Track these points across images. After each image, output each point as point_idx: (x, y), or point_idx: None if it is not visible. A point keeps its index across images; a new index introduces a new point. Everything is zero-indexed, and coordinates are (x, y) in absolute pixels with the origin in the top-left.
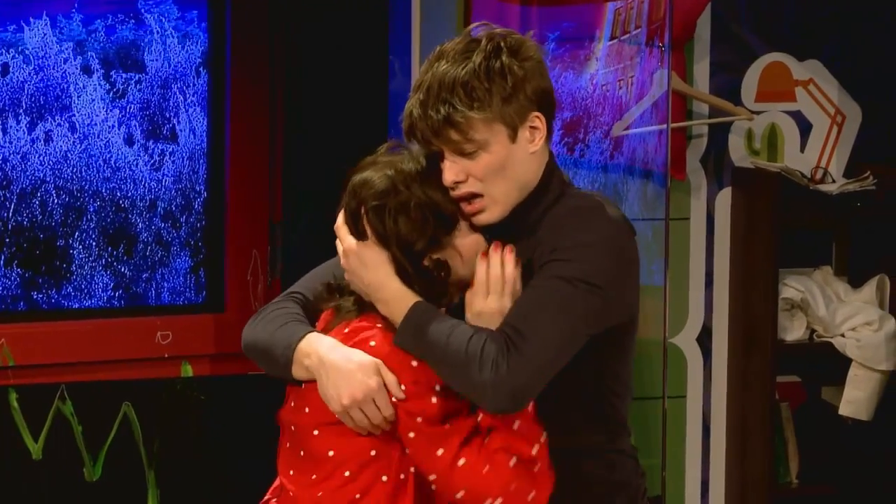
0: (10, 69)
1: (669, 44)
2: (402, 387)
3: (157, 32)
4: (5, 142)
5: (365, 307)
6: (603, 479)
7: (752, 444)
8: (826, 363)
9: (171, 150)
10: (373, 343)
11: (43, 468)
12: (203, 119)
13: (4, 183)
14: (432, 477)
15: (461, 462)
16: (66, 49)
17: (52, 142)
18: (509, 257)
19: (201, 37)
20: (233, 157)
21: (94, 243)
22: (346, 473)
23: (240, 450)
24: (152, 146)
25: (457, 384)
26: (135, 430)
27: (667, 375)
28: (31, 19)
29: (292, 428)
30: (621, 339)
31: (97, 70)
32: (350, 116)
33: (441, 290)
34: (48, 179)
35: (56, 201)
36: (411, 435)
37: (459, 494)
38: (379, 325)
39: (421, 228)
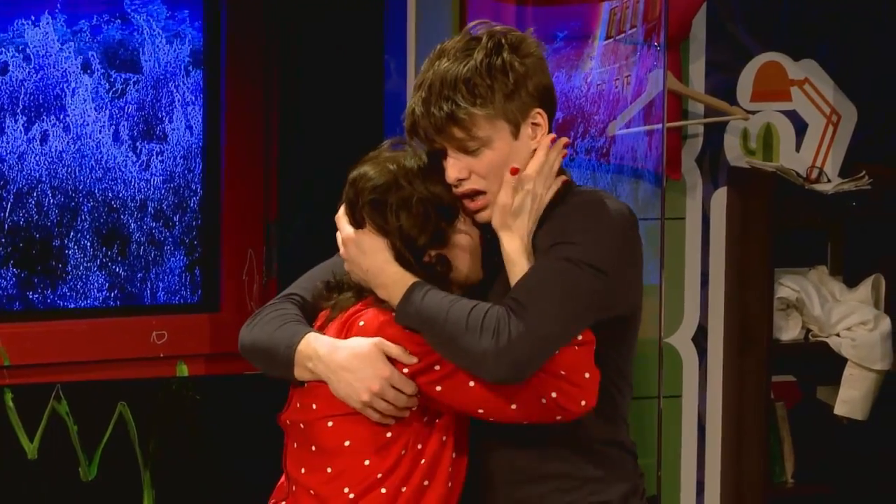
0: (10, 68)
1: (665, 43)
2: (409, 353)
3: (150, 32)
4: (1, 142)
5: (362, 296)
6: (602, 476)
7: (747, 443)
8: (821, 363)
9: (166, 149)
10: (362, 322)
11: (38, 468)
12: (198, 118)
13: (1, 183)
14: (480, 411)
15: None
16: (62, 49)
17: (47, 142)
18: (563, 155)
19: (195, 36)
20: (228, 157)
21: (89, 243)
22: (367, 462)
23: (235, 450)
24: (147, 146)
25: (457, 354)
26: (130, 429)
27: (662, 375)
28: (30, 18)
29: (301, 426)
30: (624, 332)
31: (92, 70)
32: (345, 116)
33: (442, 285)
34: (43, 179)
35: (51, 201)
36: (438, 388)
37: (513, 406)
38: (370, 307)
39: (423, 224)
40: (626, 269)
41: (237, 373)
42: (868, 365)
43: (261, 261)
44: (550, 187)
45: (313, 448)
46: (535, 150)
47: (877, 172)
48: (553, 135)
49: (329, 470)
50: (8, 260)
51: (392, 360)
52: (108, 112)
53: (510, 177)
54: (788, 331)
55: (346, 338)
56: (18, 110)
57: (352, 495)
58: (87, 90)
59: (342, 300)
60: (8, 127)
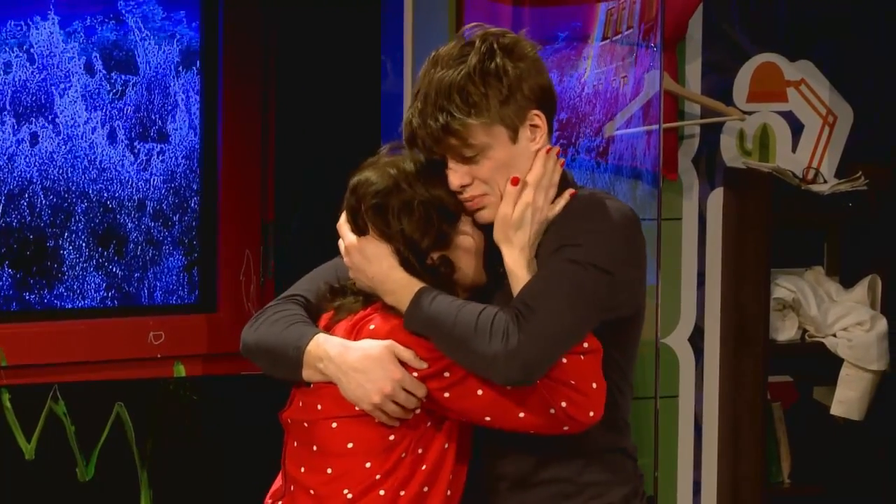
0: (6, 68)
1: (661, 44)
2: (420, 357)
3: (145, 33)
4: None
5: (369, 301)
6: (603, 481)
7: (743, 443)
8: (818, 363)
9: (163, 149)
10: (372, 326)
11: (36, 468)
12: (196, 119)
13: None
14: (487, 419)
15: (508, 388)
16: (58, 49)
17: (40, 142)
18: (560, 165)
19: (192, 36)
20: (225, 158)
21: (85, 243)
22: (368, 465)
23: (232, 450)
24: (145, 146)
25: (466, 358)
26: (127, 430)
27: (659, 375)
28: (25, 20)
29: (304, 425)
30: (628, 333)
31: (89, 71)
32: (342, 116)
33: (447, 288)
34: (36, 180)
35: (48, 202)
36: (447, 395)
37: (521, 415)
38: (378, 312)
39: (425, 226)
40: (630, 270)
41: (234, 373)
42: (864, 365)
43: (258, 261)
44: (553, 198)
45: (315, 448)
46: (536, 151)
47: (873, 173)
48: (550, 146)
49: (329, 471)
50: (4, 260)
51: (402, 364)
52: (105, 113)
53: (511, 188)
54: (785, 331)
55: (355, 341)
56: (11, 111)
57: (350, 496)
58: (81, 91)
59: (348, 303)
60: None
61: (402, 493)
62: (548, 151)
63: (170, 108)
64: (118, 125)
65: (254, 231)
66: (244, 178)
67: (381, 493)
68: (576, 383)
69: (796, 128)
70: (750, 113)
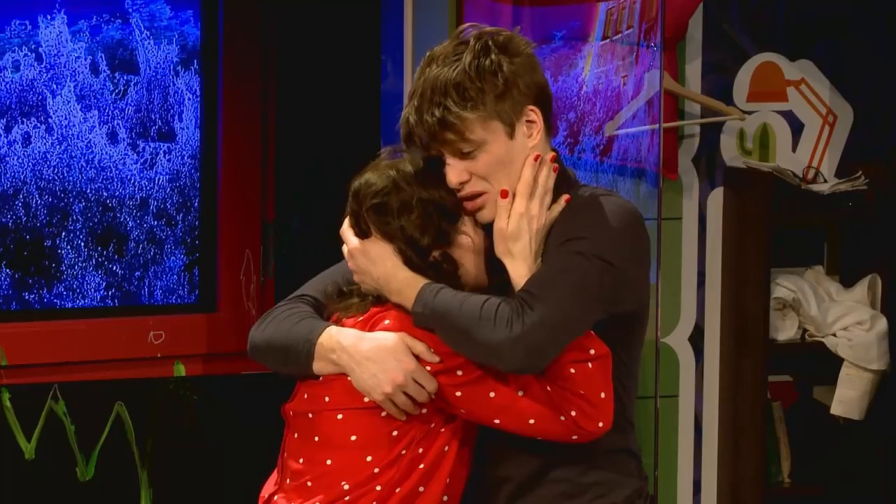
0: (10, 67)
1: (661, 44)
2: (437, 358)
3: (148, 32)
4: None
5: (378, 302)
6: (607, 481)
7: (744, 443)
8: (818, 363)
9: (163, 149)
10: (387, 321)
11: (36, 468)
12: (195, 119)
13: None
14: (497, 421)
15: (520, 393)
16: (63, 48)
17: (33, 142)
18: (553, 171)
19: (194, 36)
20: (225, 157)
21: (85, 243)
22: (368, 458)
23: (232, 449)
24: (144, 146)
25: (471, 347)
26: (127, 429)
27: (659, 375)
28: (29, 18)
29: (309, 416)
30: (631, 329)
31: (90, 70)
32: (342, 116)
33: (452, 284)
34: (33, 180)
35: (47, 201)
36: (458, 394)
37: (532, 421)
38: (393, 309)
39: (425, 224)
40: (634, 266)
41: (234, 373)
42: (864, 365)
43: (258, 261)
44: (549, 205)
45: (317, 439)
46: (532, 147)
47: (873, 173)
48: (538, 152)
49: (329, 462)
50: (2, 259)
51: (415, 357)
52: (109, 112)
53: (501, 201)
54: (785, 331)
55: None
56: (14, 110)
57: (346, 486)
58: (84, 89)
59: (355, 304)
60: (4, 127)
61: (398, 489)
62: (536, 158)
63: (170, 107)
64: (122, 124)
65: (254, 231)
66: (244, 178)
67: (378, 487)
68: (585, 393)
69: (796, 127)
70: (750, 112)
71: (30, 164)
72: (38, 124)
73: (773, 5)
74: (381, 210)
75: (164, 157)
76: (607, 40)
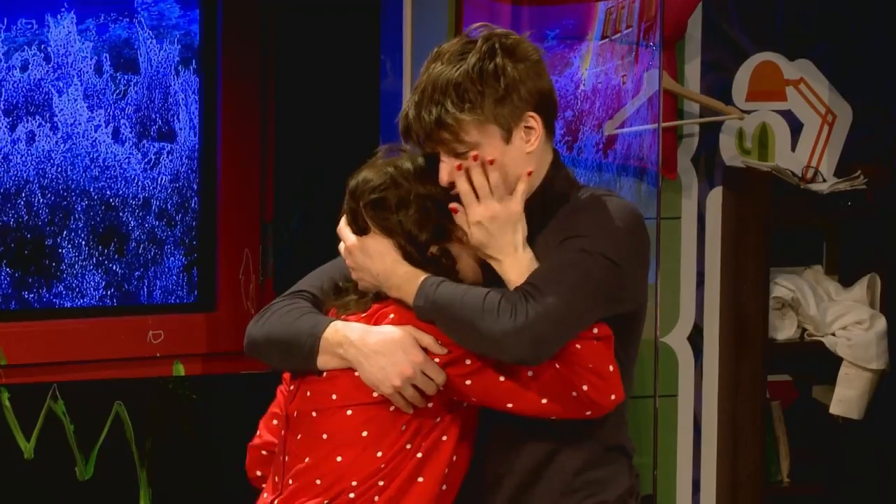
0: (15, 67)
1: (660, 43)
2: (445, 350)
3: (156, 31)
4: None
5: (378, 299)
6: (600, 479)
7: (743, 442)
8: (817, 362)
9: (163, 149)
10: (392, 315)
11: (35, 467)
12: (195, 119)
13: None
14: (510, 405)
15: (530, 374)
16: (68, 48)
17: (38, 141)
18: (490, 164)
19: (194, 36)
20: (224, 157)
21: (85, 242)
22: (379, 454)
23: (231, 449)
24: (145, 145)
25: (474, 339)
26: (127, 429)
27: (658, 374)
28: (36, 18)
29: (313, 414)
30: (630, 329)
31: (93, 69)
32: (341, 116)
33: (450, 278)
34: (34, 179)
35: (47, 201)
36: (468, 382)
37: (544, 401)
38: (396, 304)
39: (423, 220)
40: (636, 265)
41: (233, 372)
42: (863, 364)
43: (257, 261)
44: (507, 197)
45: (325, 436)
46: (529, 153)
47: (872, 172)
48: (464, 160)
49: (339, 459)
50: (2, 259)
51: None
52: (114, 111)
53: (457, 217)
54: (784, 330)
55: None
56: (20, 109)
57: (354, 483)
58: (89, 88)
59: (353, 301)
60: (7, 126)
61: (396, 480)
62: (459, 168)
63: (170, 107)
64: (122, 124)
65: (253, 230)
66: (243, 178)
67: (381, 483)
68: (594, 366)
69: (795, 127)
70: (749, 112)
71: (33, 162)
72: (44, 122)
73: (773, 5)
74: (380, 205)
75: (166, 157)
76: (606, 39)
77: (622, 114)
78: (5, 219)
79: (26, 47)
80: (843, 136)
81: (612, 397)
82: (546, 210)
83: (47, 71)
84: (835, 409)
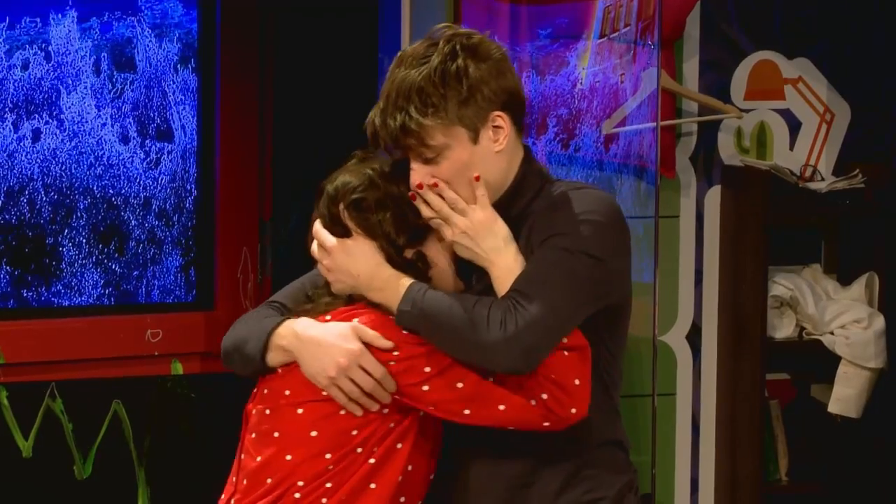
0: (20, 66)
1: (659, 42)
2: (390, 344)
3: (158, 30)
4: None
5: (348, 302)
6: (597, 474)
7: (741, 441)
8: (815, 361)
9: (162, 148)
10: (356, 321)
11: (33, 466)
12: (194, 118)
13: None
14: (467, 412)
15: (490, 380)
16: (69, 46)
17: (42, 139)
18: (438, 186)
19: (192, 35)
20: (223, 156)
21: (84, 241)
22: (328, 455)
23: (230, 447)
24: (144, 144)
25: (463, 348)
26: (125, 427)
27: (656, 373)
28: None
29: (266, 412)
30: (615, 321)
31: (94, 69)
32: (339, 115)
33: (424, 282)
34: (38, 177)
35: (47, 198)
36: (425, 388)
37: (502, 407)
38: (363, 307)
39: (400, 221)
40: (619, 257)
41: (231, 371)
42: (862, 363)
43: (255, 259)
44: (470, 208)
45: (276, 434)
46: (497, 152)
47: (870, 171)
48: (447, 171)
49: (289, 458)
50: (2, 257)
51: (373, 350)
52: (114, 110)
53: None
54: (782, 329)
55: None
56: (18, 108)
57: (301, 483)
58: (91, 87)
59: (325, 303)
60: (6, 124)
61: (346, 484)
62: (412, 196)
63: (169, 106)
64: (120, 123)
65: (251, 229)
66: (242, 177)
67: (329, 484)
68: (556, 378)
69: (794, 125)
70: (747, 111)
71: (36, 160)
72: (50, 120)
73: (771, 4)
74: (360, 206)
75: (166, 156)
76: (605, 38)
77: (620, 112)
78: (7, 217)
79: (28, 46)
80: (841, 134)
81: (573, 411)
82: (518, 208)
83: (49, 70)
84: (833, 407)
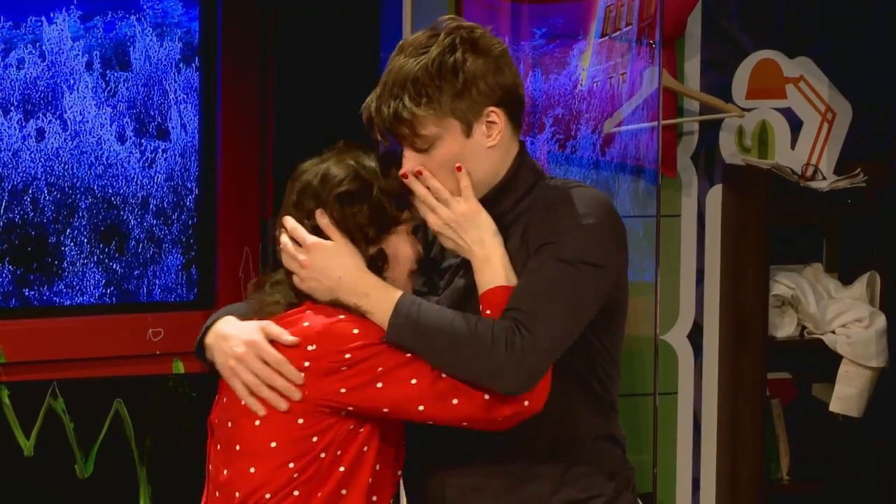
0: (22, 65)
1: (660, 41)
2: (295, 339)
3: (149, 30)
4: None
5: (299, 301)
6: (594, 471)
7: (742, 440)
8: (817, 360)
9: (163, 147)
10: (306, 323)
11: (34, 465)
12: (195, 116)
13: None
14: (421, 408)
15: (443, 375)
16: (71, 45)
17: (44, 138)
18: (422, 174)
19: (192, 34)
20: (224, 155)
21: (86, 240)
22: (291, 465)
23: None
24: (144, 143)
25: (466, 368)
26: (126, 426)
27: (658, 372)
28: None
29: (229, 424)
30: (613, 317)
31: (95, 67)
32: (341, 113)
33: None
34: (40, 176)
35: (48, 198)
36: (379, 385)
37: (455, 401)
38: (308, 311)
39: (375, 215)
40: (615, 257)
41: None
42: (863, 362)
43: (257, 258)
44: (454, 199)
45: (238, 447)
46: (490, 148)
47: (871, 170)
48: (438, 162)
49: (252, 470)
50: (4, 256)
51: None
52: (112, 109)
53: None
54: (784, 328)
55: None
56: (20, 107)
57: (268, 495)
58: (89, 87)
59: (269, 305)
60: (9, 123)
61: (319, 494)
62: (403, 176)
63: (169, 105)
64: (121, 122)
65: (252, 228)
66: (243, 175)
67: (296, 493)
68: None
69: (795, 125)
70: (749, 110)
71: (41, 159)
72: (53, 119)
73: (772, 3)
74: (346, 200)
75: (165, 155)
76: (606, 37)
77: (622, 112)
78: (10, 215)
79: (31, 45)
80: (842, 133)
81: (526, 403)
82: (507, 205)
83: (49, 69)
84: (834, 406)
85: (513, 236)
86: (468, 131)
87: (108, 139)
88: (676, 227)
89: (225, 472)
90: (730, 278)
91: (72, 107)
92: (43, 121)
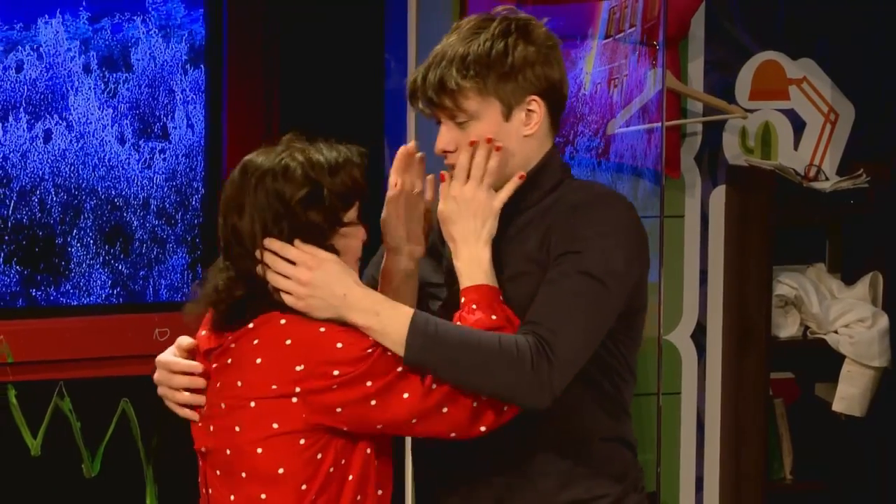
0: (24, 66)
1: (664, 42)
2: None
3: (155, 31)
4: (5, 139)
5: (233, 328)
6: (601, 472)
7: (746, 440)
8: (819, 360)
9: (168, 147)
10: (288, 341)
11: (41, 464)
12: (200, 116)
13: (4, 181)
14: (413, 421)
15: (433, 387)
16: (70, 47)
17: (51, 140)
18: (496, 151)
19: (199, 34)
20: (229, 155)
21: (92, 240)
22: (303, 487)
23: None
24: (150, 143)
25: (487, 385)
26: (133, 426)
27: (661, 372)
28: (44, 17)
29: (227, 452)
30: (632, 323)
31: (102, 69)
32: (346, 114)
33: None
34: (47, 177)
35: (55, 199)
36: (373, 403)
37: (445, 409)
38: (284, 321)
39: (330, 216)
40: (638, 266)
41: None
42: (866, 362)
43: None
44: (493, 185)
45: (244, 475)
46: (527, 136)
47: (874, 170)
48: (474, 138)
49: (263, 496)
50: (12, 257)
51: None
52: (114, 111)
53: (443, 184)
54: (787, 328)
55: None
56: (28, 109)
57: None
58: (94, 88)
59: (230, 310)
60: (13, 124)
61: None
62: (471, 143)
63: (176, 105)
64: (127, 122)
65: None
66: None
67: None
68: None
69: (798, 125)
70: (752, 111)
71: (48, 161)
72: (59, 121)
73: (775, 4)
74: (306, 204)
75: (170, 155)
76: (610, 39)
77: (625, 113)
78: (18, 216)
79: (38, 47)
80: (845, 134)
81: (505, 408)
82: (533, 198)
83: (54, 70)
84: (837, 406)
85: (532, 235)
86: (507, 114)
87: (114, 140)
88: (680, 228)
89: (232, 497)
90: (733, 279)
91: (78, 108)
92: (50, 122)
